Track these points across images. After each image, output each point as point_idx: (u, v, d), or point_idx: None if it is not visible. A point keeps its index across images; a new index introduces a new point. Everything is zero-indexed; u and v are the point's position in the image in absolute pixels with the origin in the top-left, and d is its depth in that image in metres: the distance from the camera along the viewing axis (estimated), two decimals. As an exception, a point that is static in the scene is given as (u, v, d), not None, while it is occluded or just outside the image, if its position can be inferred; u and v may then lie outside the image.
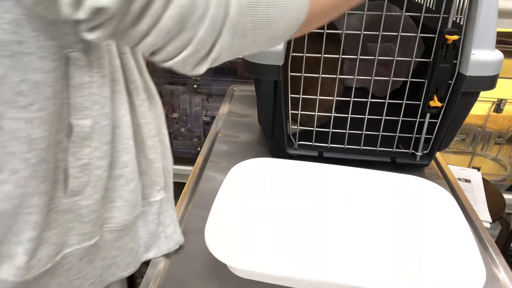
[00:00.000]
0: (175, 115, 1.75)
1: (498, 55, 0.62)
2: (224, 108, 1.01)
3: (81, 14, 0.29)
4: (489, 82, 0.64)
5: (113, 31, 0.31)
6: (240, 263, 0.45)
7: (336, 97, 0.73)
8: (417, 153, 0.72)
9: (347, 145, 0.73)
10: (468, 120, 1.77)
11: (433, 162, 0.80)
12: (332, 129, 0.72)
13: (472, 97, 0.66)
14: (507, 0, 1.39)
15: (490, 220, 1.25)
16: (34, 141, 0.35)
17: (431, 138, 0.71)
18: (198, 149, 1.91)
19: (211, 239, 0.46)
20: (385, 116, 0.70)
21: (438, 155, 0.83)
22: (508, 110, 1.70)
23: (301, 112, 0.72)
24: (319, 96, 0.70)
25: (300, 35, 0.40)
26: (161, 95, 1.74)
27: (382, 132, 0.71)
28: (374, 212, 0.59)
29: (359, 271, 0.51)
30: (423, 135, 0.71)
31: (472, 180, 1.40)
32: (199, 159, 0.80)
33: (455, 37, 0.61)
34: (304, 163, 0.62)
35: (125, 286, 0.56)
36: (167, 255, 0.56)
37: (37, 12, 0.31)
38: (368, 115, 0.70)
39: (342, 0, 0.40)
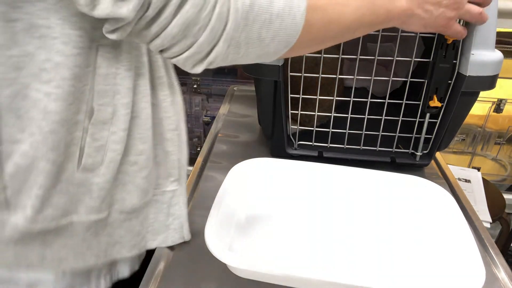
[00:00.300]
0: (175, 115, 1.75)
1: (497, 55, 0.62)
2: (224, 108, 1.01)
3: (96, 13, 0.35)
4: (489, 82, 0.64)
5: (129, 32, 0.37)
6: (240, 263, 0.45)
7: (336, 97, 0.73)
8: (417, 153, 0.72)
9: (347, 145, 0.73)
10: (468, 120, 1.77)
11: (433, 162, 0.80)
12: (332, 129, 0.72)
13: (472, 97, 0.67)
14: (507, 0, 1.39)
15: (490, 220, 1.25)
16: (48, 112, 0.41)
17: (431, 138, 0.71)
18: (198, 149, 1.90)
19: (211, 239, 0.46)
20: (385, 116, 0.70)
21: (438, 155, 0.83)
22: (508, 110, 1.70)
23: (301, 112, 0.72)
24: (319, 96, 0.70)
25: (294, 56, 0.46)
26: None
27: (382, 132, 0.71)
28: (374, 212, 0.59)
29: (359, 270, 0.51)
30: (423, 135, 0.71)
31: (472, 180, 1.40)
32: (199, 159, 0.80)
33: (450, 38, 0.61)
34: (304, 163, 0.62)
35: (135, 267, 0.58)
36: (166, 255, 0.56)
37: (62, 4, 0.37)
38: (368, 115, 0.70)
39: (336, 33, 0.47)
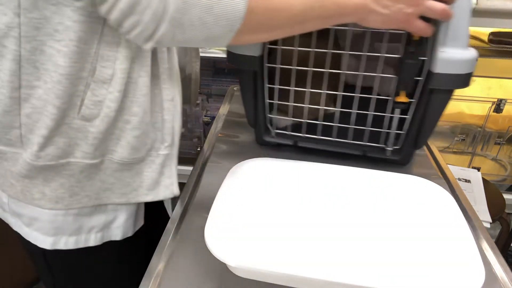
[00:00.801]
0: (175, 115, 1.75)
1: (469, 53, 0.61)
2: (224, 108, 1.01)
3: None
4: (461, 81, 0.62)
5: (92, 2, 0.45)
6: (240, 263, 0.45)
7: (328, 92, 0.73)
8: (387, 148, 0.72)
9: (321, 136, 0.75)
10: (468, 120, 1.77)
11: (433, 162, 0.80)
12: (324, 122, 0.74)
13: (445, 95, 0.65)
14: (507, 0, 1.39)
15: (490, 220, 1.25)
16: (57, 66, 0.49)
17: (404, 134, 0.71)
18: (198, 149, 1.90)
19: (211, 239, 0.46)
20: (368, 111, 0.70)
21: (438, 155, 0.83)
22: (508, 110, 1.70)
23: (278, 102, 0.74)
24: (301, 88, 0.71)
25: (248, 42, 0.52)
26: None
27: (356, 126, 0.72)
28: (374, 212, 0.59)
29: (359, 270, 0.51)
30: (393, 130, 0.70)
31: (472, 180, 1.40)
32: (199, 159, 0.80)
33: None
34: (304, 163, 0.62)
35: (128, 233, 0.66)
36: (167, 255, 0.56)
37: None
38: (358, 109, 0.71)
39: (283, 22, 0.51)
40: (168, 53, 0.56)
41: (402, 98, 0.65)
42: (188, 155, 1.84)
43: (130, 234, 0.68)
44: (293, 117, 0.76)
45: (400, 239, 0.55)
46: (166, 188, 0.62)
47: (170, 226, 0.62)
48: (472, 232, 0.50)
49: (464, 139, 1.81)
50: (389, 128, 0.71)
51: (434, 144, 0.86)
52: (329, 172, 0.62)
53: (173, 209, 0.67)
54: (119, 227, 0.66)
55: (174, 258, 0.56)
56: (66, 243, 0.63)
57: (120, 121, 0.55)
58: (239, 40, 0.50)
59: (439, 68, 0.61)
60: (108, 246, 0.66)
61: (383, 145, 0.74)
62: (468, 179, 1.41)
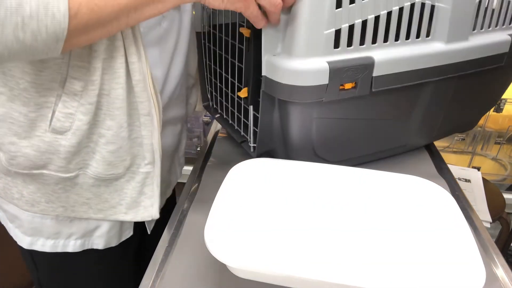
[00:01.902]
0: (175, 115, 1.76)
1: (297, 64, 0.53)
2: (224, 108, 1.01)
3: None
4: (286, 92, 0.55)
5: None
6: (240, 263, 0.45)
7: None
8: (250, 144, 0.70)
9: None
10: (468, 120, 1.76)
11: (433, 162, 0.80)
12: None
13: (285, 104, 0.59)
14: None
15: (490, 220, 1.25)
16: (24, 73, 0.49)
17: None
18: (198, 149, 1.90)
19: (211, 239, 0.46)
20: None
21: (438, 154, 0.82)
22: (508, 110, 1.70)
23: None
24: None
25: (91, 40, 0.47)
26: (161, 95, 1.74)
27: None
28: (374, 212, 0.59)
29: (359, 271, 0.51)
30: (250, 126, 0.68)
31: (472, 180, 1.40)
32: (199, 159, 0.80)
33: (247, 31, 0.57)
34: (304, 163, 0.62)
35: (111, 243, 0.66)
36: (167, 255, 0.56)
37: None
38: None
39: (114, 16, 0.46)
40: (139, 63, 0.52)
41: (242, 93, 0.62)
42: (188, 155, 1.84)
43: (114, 244, 0.66)
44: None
45: (400, 239, 0.55)
46: (145, 210, 0.60)
47: (170, 226, 0.62)
48: (472, 232, 0.50)
49: (464, 139, 1.81)
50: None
51: (434, 144, 0.86)
52: (329, 172, 0.61)
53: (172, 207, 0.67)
54: (101, 236, 0.64)
55: (173, 258, 0.56)
56: (43, 245, 0.63)
57: (94, 135, 0.53)
58: (76, 44, 0.46)
59: (266, 71, 0.57)
60: (90, 254, 0.65)
61: (245, 139, 0.73)
62: (468, 178, 1.41)
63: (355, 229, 0.57)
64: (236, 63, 0.65)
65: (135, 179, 0.59)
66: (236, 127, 0.76)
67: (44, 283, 0.72)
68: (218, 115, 0.82)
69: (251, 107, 0.65)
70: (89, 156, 0.55)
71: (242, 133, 0.74)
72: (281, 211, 0.60)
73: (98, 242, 0.65)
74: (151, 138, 0.57)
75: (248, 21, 0.53)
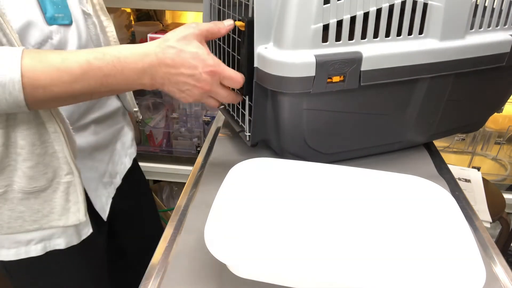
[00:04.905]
0: (175, 115, 1.75)
1: (286, 55, 0.56)
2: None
3: None
4: (275, 83, 0.58)
5: None
6: (240, 263, 0.45)
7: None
8: (246, 133, 0.72)
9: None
10: (468, 120, 1.76)
11: (433, 162, 0.80)
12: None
13: (275, 95, 0.61)
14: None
15: (490, 220, 1.25)
16: None
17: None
18: (198, 149, 1.90)
19: (211, 239, 0.46)
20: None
21: (438, 154, 0.82)
22: (508, 110, 1.70)
23: None
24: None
25: (59, 105, 0.56)
26: (161, 95, 1.74)
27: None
28: (374, 212, 0.59)
29: (359, 271, 0.51)
30: (246, 116, 0.70)
31: (472, 180, 1.40)
32: (199, 159, 0.80)
33: (242, 24, 0.58)
34: (305, 163, 0.62)
35: (73, 241, 0.69)
36: (166, 254, 0.56)
37: None
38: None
39: (72, 99, 0.53)
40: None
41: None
42: (188, 155, 1.84)
43: (75, 242, 0.69)
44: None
45: (400, 240, 0.55)
46: (73, 215, 0.65)
47: (170, 226, 0.62)
48: (472, 232, 0.50)
49: (464, 139, 1.81)
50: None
51: (434, 144, 0.86)
52: (329, 172, 0.61)
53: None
54: (60, 237, 0.68)
55: (173, 258, 0.56)
56: (7, 255, 0.66)
57: (12, 154, 0.58)
58: (43, 108, 0.55)
59: (257, 62, 0.60)
60: (56, 255, 0.68)
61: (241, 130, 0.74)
62: (468, 178, 1.40)
63: (355, 229, 0.57)
64: (236, 56, 0.66)
65: (59, 189, 0.63)
66: (236, 118, 0.77)
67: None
68: (222, 106, 0.84)
69: (246, 98, 0.67)
70: (12, 174, 0.59)
71: (240, 123, 0.75)
72: (281, 211, 0.60)
73: (59, 243, 0.68)
74: (63, 152, 0.61)
75: (243, 15, 0.55)
